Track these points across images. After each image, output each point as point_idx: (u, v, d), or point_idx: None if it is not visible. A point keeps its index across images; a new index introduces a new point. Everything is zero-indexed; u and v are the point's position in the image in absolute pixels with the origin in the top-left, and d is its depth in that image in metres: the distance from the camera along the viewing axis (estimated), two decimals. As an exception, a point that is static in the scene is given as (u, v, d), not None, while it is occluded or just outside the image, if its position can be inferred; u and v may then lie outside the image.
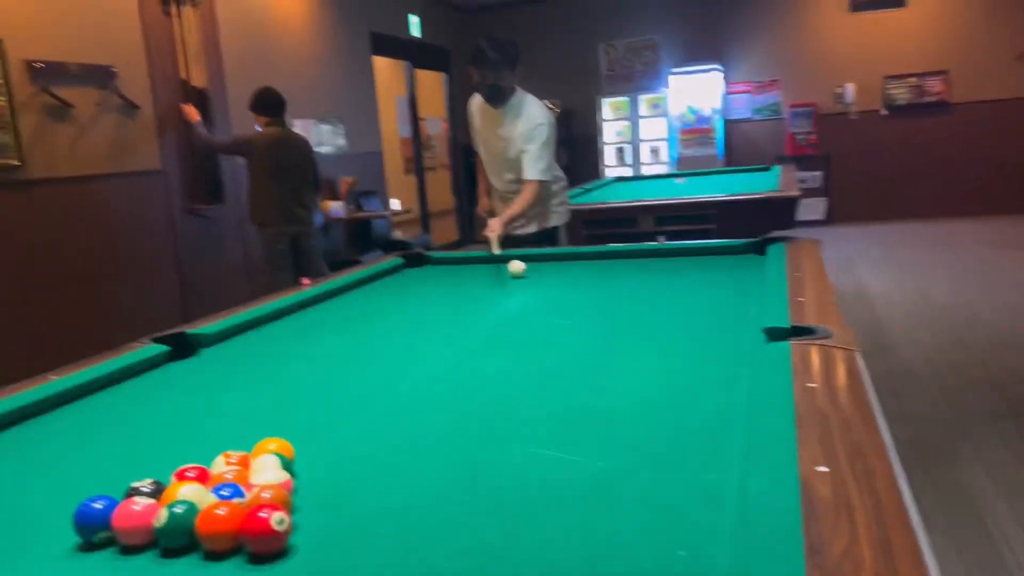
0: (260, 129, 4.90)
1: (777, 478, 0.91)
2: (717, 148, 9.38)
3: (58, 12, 4.46)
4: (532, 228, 3.37)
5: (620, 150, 10.14)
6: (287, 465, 1.11)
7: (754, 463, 0.98)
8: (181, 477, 1.06)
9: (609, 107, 10.03)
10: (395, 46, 8.56)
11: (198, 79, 5.40)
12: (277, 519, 0.92)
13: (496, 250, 2.78)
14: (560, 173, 3.42)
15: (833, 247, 6.85)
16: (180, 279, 5.27)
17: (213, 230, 5.55)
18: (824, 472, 0.91)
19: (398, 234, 9.51)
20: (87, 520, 0.97)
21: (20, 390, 1.56)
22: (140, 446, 1.32)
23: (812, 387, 1.20)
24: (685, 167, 9.03)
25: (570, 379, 1.50)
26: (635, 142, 9.98)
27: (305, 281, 2.59)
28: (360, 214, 7.13)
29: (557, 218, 3.38)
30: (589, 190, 6.19)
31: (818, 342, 1.44)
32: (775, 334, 1.55)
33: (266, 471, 1.06)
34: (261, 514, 0.92)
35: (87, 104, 4.58)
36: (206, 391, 1.62)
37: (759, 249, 2.65)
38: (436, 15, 9.60)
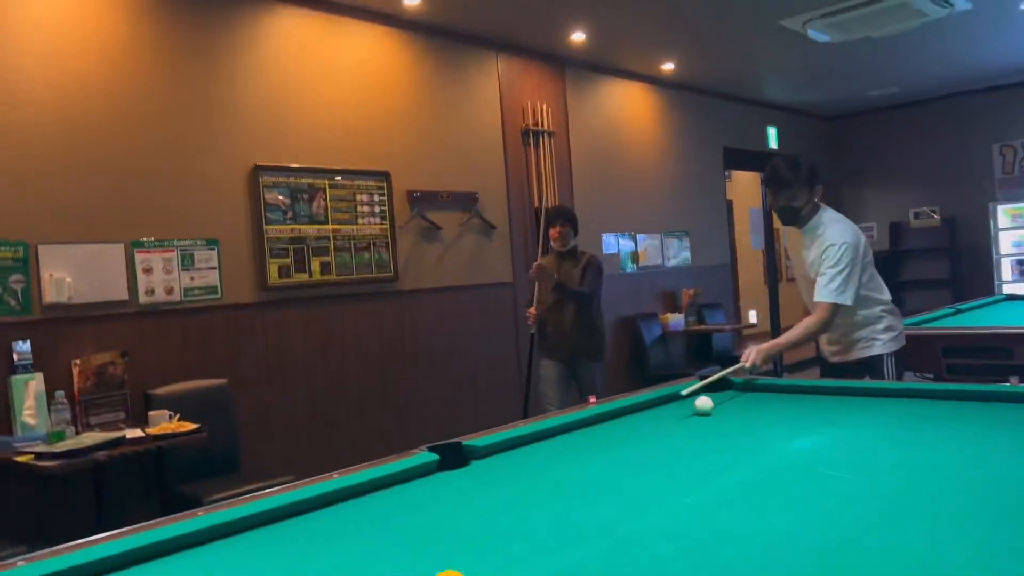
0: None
1: None
2: None
3: (435, 148, 5.24)
4: (839, 357, 3.08)
5: (1022, 263, 8.70)
6: (450, 603, 1.10)
7: None
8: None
9: (1006, 214, 8.72)
10: (749, 159, 8.47)
11: (549, 199, 5.89)
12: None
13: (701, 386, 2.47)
14: (882, 296, 3.04)
15: None
16: (520, 383, 5.64)
17: (554, 338, 5.88)
18: None
19: (753, 345, 9.18)
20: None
21: (305, 485, 1.78)
22: (369, 551, 1.42)
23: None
24: (1110, 285, 7.41)
25: (814, 550, 1.27)
26: (1040, 254, 8.49)
27: (592, 399, 2.60)
28: (700, 327, 7.02)
29: (881, 346, 2.98)
30: (962, 311, 5.37)
31: None
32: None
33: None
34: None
35: (452, 225, 5.26)
36: (445, 511, 1.68)
37: None
38: (796, 125, 9.35)
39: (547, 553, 1.35)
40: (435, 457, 1.99)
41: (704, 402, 2.37)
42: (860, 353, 3.00)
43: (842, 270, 2.85)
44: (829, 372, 3.14)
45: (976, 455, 1.79)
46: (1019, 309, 5.39)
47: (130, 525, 1.54)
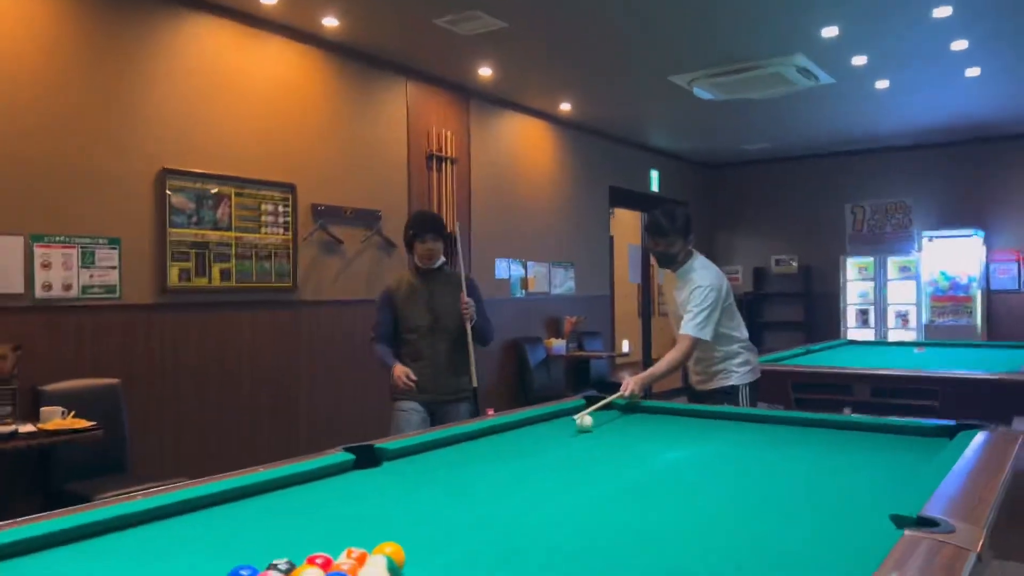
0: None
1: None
2: (975, 319, 8.61)
3: (341, 165, 5.39)
4: (702, 386, 3.49)
5: (864, 312, 9.65)
6: (393, 568, 1.32)
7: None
8: (311, 562, 1.31)
9: (854, 267, 9.67)
10: (632, 199, 9.03)
11: (449, 223, 6.14)
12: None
13: (585, 420, 2.70)
14: (739, 334, 3.47)
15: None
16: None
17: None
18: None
19: (628, 375, 9.70)
20: (235, 582, 1.25)
21: (235, 476, 1.94)
22: (301, 532, 1.61)
23: (891, 579, 1.20)
24: (936, 336, 8.39)
25: (679, 534, 1.57)
26: (880, 305, 9.47)
27: (490, 412, 2.85)
28: (580, 353, 7.43)
29: (737, 378, 3.41)
30: (812, 351, 6.00)
31: (932, 535, 1.40)
32: (900, 522, 1.52)
33: (373, 568, 1.28)
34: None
35: (354, 241, 5.42)
36: (368, 498, 1.90)
37: (951, 434, 2.50)
38: (676, 170, 10.04)
39: (458, 538, 1.58)
40: (351, 457, 2.19)
41: (585, 420, 2.68)
42: (720, 383, 3.42)
43: (704, 309, 3.25)
44: (695, 398, 3.54)
45: (809, 468, 2.17)
46: (858, 352, 6.07)
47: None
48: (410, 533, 1.60)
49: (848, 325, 9.56)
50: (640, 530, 1.61)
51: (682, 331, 3.29)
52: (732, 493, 1.92)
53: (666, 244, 3.40)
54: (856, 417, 2.73)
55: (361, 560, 1.33)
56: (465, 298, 3.68)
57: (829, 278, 9.85)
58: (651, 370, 3.25)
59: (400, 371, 3.59)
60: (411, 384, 3.55)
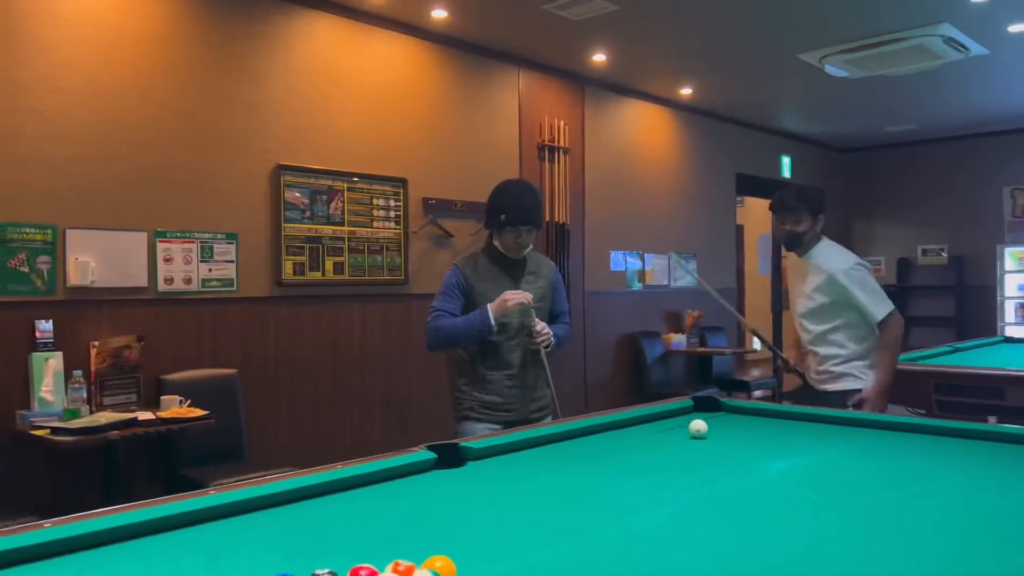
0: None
1: None
2: None
3: (452, 158, 5.37)
4: (827, 386, 3.22)
5: (1024, 306, 8.77)
6: (440, 584, 1.21)
7: None
8: (354, 574, 1.23)
9: (1012, 257, 8.79)
10: (762, 186, 8.57)
11: (561, 215, 6.01)
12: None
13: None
14: (874, 334, 3.15)
15: None
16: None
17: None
18: None
19: (755, 373, 9.25)
20: (274, 591, 1.18)
21: (307, 474, 1.90)
22: (361, 535, 1.54)
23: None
24: (1112, 333, 7.47)
25: (772, 560, 1.38)
26: (1045, 299, 8.56)
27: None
28: (702, 349, 7.12)
29: (866, 382, 3.09)
30: (960, 349, 5.45)
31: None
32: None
33: (418, 585, 1.18)
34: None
35: (464, 234, 5.39)
36: (439, 501, 1.81)
37: (1124, 449, 2.14)
38: (810, 155, 9.45)
39: (528, 548, 1.46)
40: (433, 456, 2.11)
41: (700, 425, 2.45)
42: (845, 384, 3.11)
43: (869, 287, 3.07)
44: (813, 399, 3.24)
45: (937, 486, 1.89)
46: (1015, 351, 5.47)
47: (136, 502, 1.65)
48: (472, 541, 1.50)
49: (1006, 321, 8.71)
50: (732, 552, 1.42)
51: (877, 318, 3.09)
52: (837, 512, 1.69)
53: (793, 222, 3.15)
54: (1005, 427, 2.39)
55: (408, 573, 1.24)
56: (543, 327, 2.90)
57: (985, 269, 9.00)
58: (880, 377, 3.07)
59: (507, 295, 2.80)
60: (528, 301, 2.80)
